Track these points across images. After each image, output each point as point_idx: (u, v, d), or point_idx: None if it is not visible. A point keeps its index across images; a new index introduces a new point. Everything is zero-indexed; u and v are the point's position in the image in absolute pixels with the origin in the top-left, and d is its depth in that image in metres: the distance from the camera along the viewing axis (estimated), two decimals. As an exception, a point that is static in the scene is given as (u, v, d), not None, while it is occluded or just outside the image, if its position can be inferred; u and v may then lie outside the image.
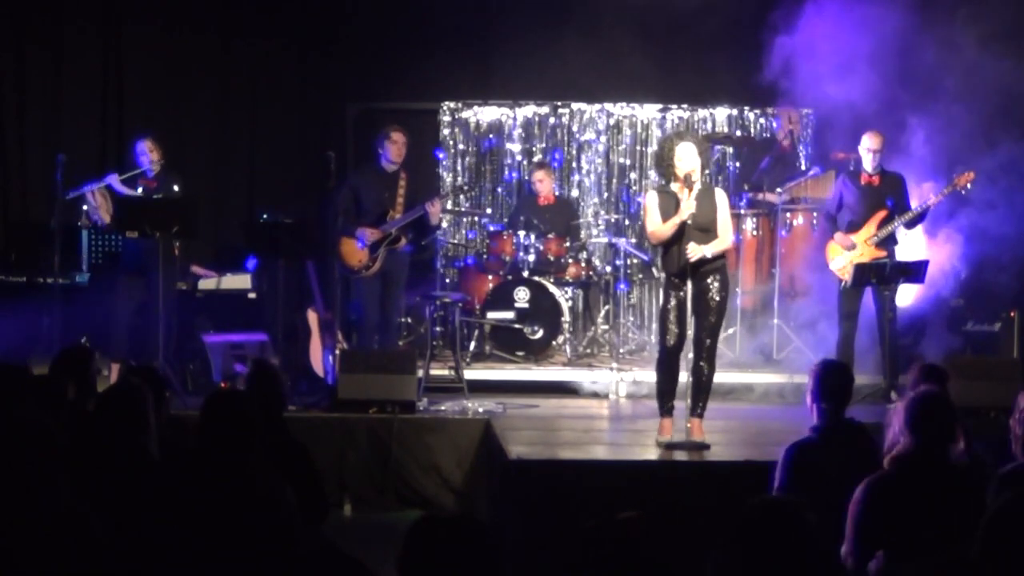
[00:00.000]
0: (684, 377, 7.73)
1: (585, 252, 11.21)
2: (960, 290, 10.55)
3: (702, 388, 7.51)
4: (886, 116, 9.92)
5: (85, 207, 9.68)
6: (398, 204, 9.64)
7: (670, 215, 7.42)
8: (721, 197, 7.60)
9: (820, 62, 9.97)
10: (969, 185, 9.33)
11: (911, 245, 9.91)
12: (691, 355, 7.48)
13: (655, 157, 7.83)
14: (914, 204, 9.41)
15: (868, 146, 9.39)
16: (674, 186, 7.49)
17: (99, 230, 10.17)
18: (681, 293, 7.41)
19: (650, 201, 7.57)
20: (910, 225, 9.45)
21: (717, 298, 7.47)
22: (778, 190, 10.58)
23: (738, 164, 12.01)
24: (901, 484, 4.65)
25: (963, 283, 10.44)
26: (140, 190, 9.53)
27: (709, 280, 7.41)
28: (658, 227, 7.45)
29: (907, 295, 10.04)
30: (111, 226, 9.55)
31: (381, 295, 9.69)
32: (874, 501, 4.64)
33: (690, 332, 7.51)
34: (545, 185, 11.20)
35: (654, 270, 10.95)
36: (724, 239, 7.50)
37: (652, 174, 11.50)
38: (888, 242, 9.41)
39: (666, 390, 7.64)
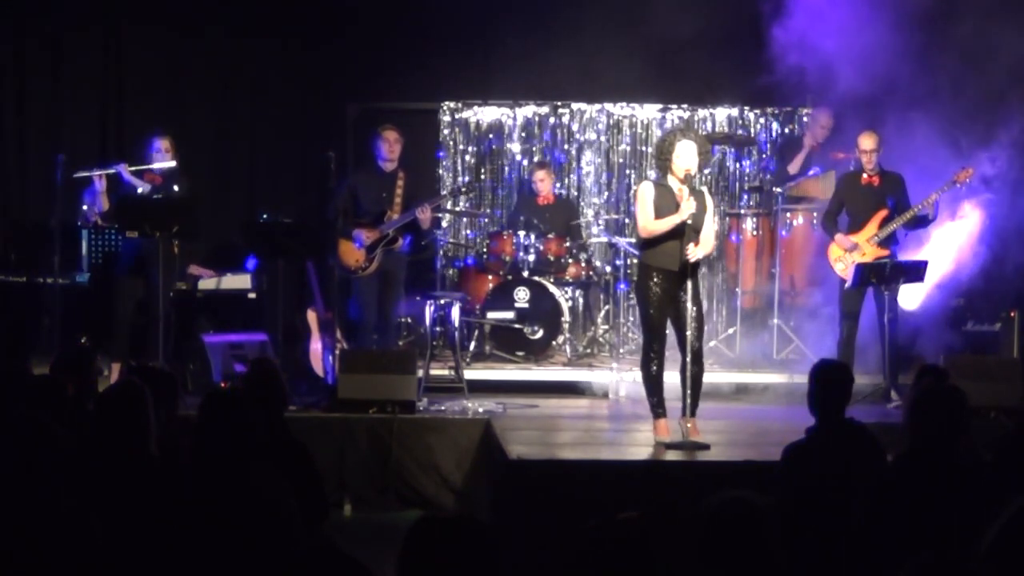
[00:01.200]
0: (671, 377, 7.75)
1: (585, 252, 11.21)
2: (961, 289, 10.53)
3: (696, 388, 7.50)
4: (892, 109, 9.91)
5: (85, 207, 9.67)
6: (396, 204, 9.65)
7: (664, 210, 7.41)
8: (710, 201, 7.60)
9: (820, 60, 9.97)
10: (968, 181, 9.32)
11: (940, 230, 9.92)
12: (682, 357, 7.46)
13: (655, 149, 7.81)
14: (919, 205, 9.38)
15: (864, 146, 9.37)
16: (671, 181, 7.47)
17: (97, 227, 10.15)
18: (664, 290, 7.40)
19: (644, 193, 7.54)
20: (911, 227, 9.42)
21: (698, 297, 7.48)
22: (777, 189, 10.57)
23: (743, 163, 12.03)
24: (901, 482, 4.65)
25: (969, 278, 10.41)
26: (141, 189, 9.52)
27: (690, 279, 7.40)
28: (650, 222, 7.42)
29: (916, 296, 10.02)
30: (108, 213, 9.53)
31: (379, 295, 9.69)
32: (875, 499, 4.65)
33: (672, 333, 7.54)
34: (545, 185, 11.20)
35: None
36: (708, 242, 7.50)
37: (652, 173, 11.51)
38: (890, 242, 9.40)
39: (657, 390, 7.64)
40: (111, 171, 9.46)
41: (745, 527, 3.22)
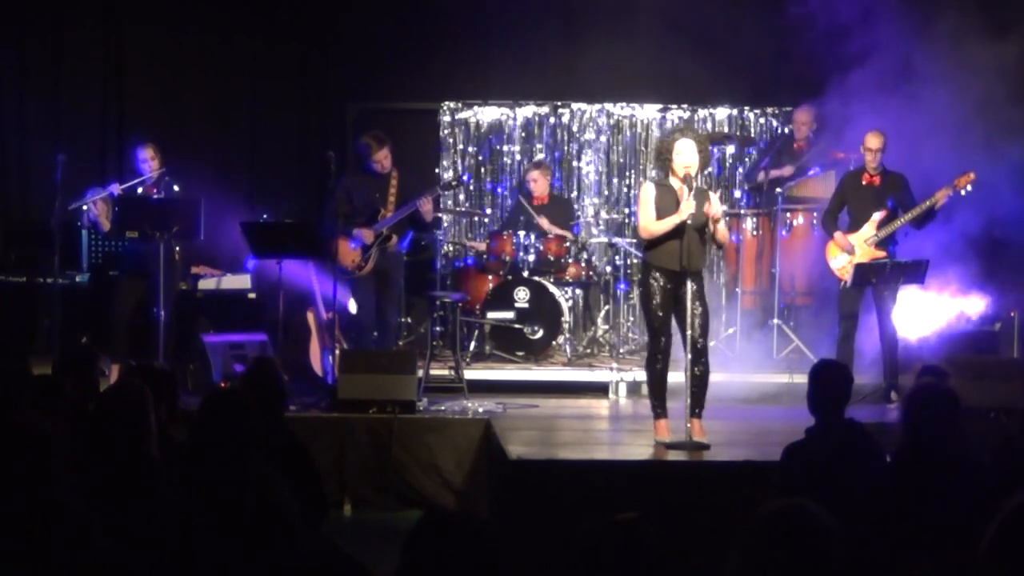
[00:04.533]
0: (674, 376, 7.74)
1: (585, 252, 11.21)
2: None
3: (700, 388, 7.50)
4: (891, 113, 9.90)
5: (85, 207, 9.67)
6: (390, 203, 9.64)
7: (666, 210, 7.41)
8: (715, 200, 7.59)
9: (822, 60, 9.97)
10: (969, 186, 9.28)
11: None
12: (685, 356, 7.46)
13: (655, 150, 7.82)
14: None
15: (870, 145, 9.35)
16: (672, 181, 7.48)
17: (99, 231, 10.16)
18: (667, 289, 7.40)
19: (646, 194, 7.54)
20: (919, 224, 9.38)
21: (703, 297, 7.48)
22: (777, 189, 10.55)
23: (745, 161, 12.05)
24: (900, 482, 4.66)
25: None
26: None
27: (694, 279, 7.39)
28: (651, 222, 7.43)
29: (918, 329, 10.03)
30: (110, 233, 9.58)
31: (377, 295, 9.68)
32: (875, 499, 4.66)
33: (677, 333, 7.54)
34: (540, 185, 11.19)
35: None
36: (722, 232, 7.52)
37: (652, 173, 11.52)
38: (888, 242, 9.40)
39: (659, 390, 7.63)
40: (105, 193, 9.48)
41: (805, 537, 3.18)
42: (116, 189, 9.47)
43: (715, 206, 7.34)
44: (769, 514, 3.14)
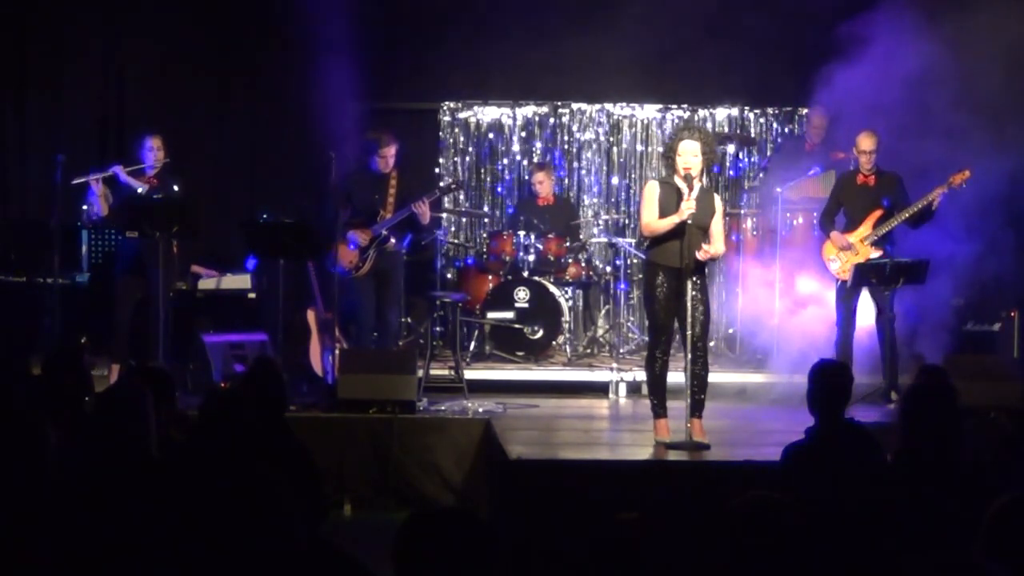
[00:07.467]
0: (673, 376, 7.74)
1: (585, 252, 11.21)
2: (960, 290, 10.51)
3: (700, 388, 7.50)
4: (891, 113, 9.90)
5: (85, 207, 9.67)
6: (389, 204, 9.63)
7: (669, 208, 7.42)
8: (718, 203, 7.61)
9: (823, 60, 9.98)
10: (964, 184, 9.27)
11: None
12: (685, 356, 7.46)
13: (664, 148, 7.83)
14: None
15: (863, 147, 9.36)
16: (677, 180, 7.49)
17: (97, 226, 10.15)
18: (669, 288, 7.40)
19: (649, 192, 7.56)
20: (914, 224, 9.38)
21: (705, 296, 7.48)
22: (777, 189, 10.56)
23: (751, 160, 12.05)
24: (900, 482, 4.66)
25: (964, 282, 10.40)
26: (140, 189, 9.51)
27: (696, 278, 7.39)
28: (653, 220, 7.45)
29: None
30: (108, 218, 9.51)
31: (376, 295, 9.67)
32: (875, 499, 4.66)
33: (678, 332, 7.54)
34: (545, 186, 11.20)
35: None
36: (718, 244, 7.51)
37: (652, 174, 11.53)
38: (885, 241, 9.40)
39: (659, 389, 7.64)
40: (107, 173, 9.44)
41: (772, 525, 3.21)
42: (120, 171, 9.44)
43: (703, 252, 7.33)
44: (740, 506, 3.16)
